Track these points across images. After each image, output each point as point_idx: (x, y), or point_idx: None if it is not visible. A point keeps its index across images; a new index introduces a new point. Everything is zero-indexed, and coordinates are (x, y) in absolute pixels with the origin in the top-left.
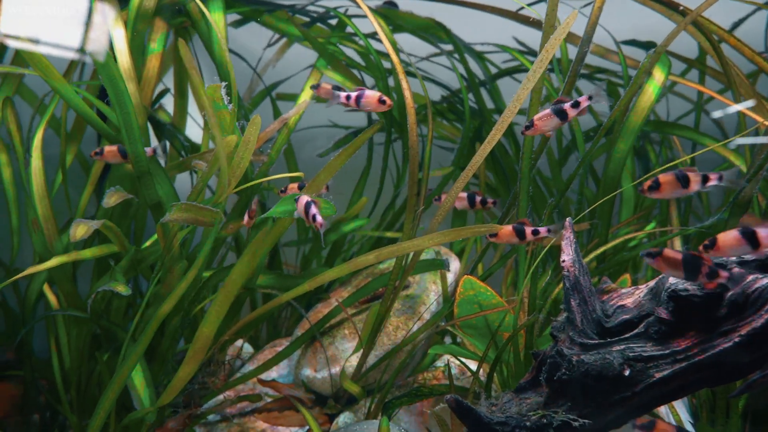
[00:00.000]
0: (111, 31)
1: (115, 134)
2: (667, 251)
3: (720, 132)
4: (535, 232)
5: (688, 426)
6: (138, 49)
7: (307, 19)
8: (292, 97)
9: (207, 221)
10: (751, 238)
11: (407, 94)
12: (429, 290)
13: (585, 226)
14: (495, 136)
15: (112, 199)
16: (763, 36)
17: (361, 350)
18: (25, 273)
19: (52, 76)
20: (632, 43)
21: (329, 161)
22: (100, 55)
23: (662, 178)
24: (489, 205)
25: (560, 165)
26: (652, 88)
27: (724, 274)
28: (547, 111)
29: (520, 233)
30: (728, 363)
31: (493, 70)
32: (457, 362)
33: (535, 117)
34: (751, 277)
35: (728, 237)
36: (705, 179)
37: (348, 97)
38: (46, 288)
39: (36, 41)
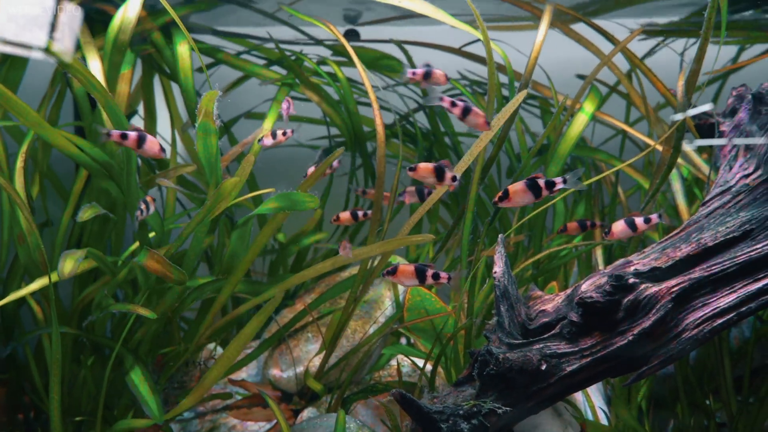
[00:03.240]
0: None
1: (96, 165)
2: (402, 267)
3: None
4: (550, 184)
5: (603, 409)
6: (112, 76)
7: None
8: (261, 116)
9: (173, 278)
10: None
11: (378, 122)
12: (384, 296)
13: (521, 237)
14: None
15: (86, 213)
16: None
17: (324, 352)
18: (10, 298)
19: (31, 119)
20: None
21: (301, 183)
22: (67, 56)
23: (511, 188)
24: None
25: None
26: (581, 119)
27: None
28: (522, 186)
29: (534, 188)
30: (625, 357)
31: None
32: (409, 361)
33: (510, 189)
34: (642, 286)
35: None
36: (551, 184)
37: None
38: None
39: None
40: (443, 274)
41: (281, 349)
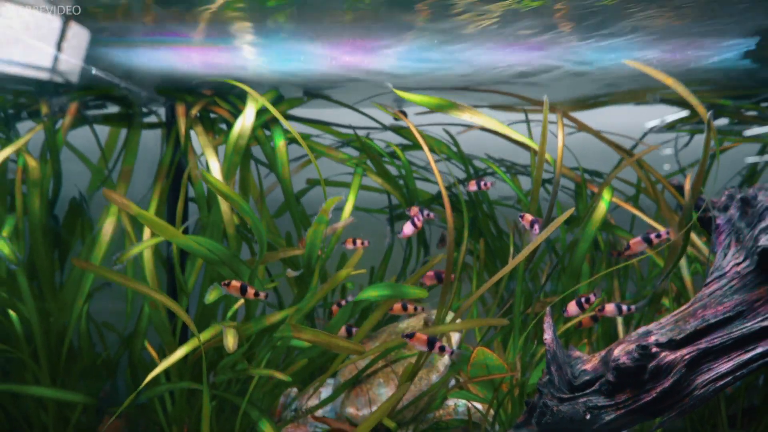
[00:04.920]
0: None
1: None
2: (418, 334)
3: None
4: (658, 236)
5: None
6: (229, 174)
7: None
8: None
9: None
10: None
11: (446, 203)
12: None
13: (555, 299)
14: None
15: (212, 295)
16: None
17: (396, 394)
18: (162, 367)
19: (169, 233)
20: (584, 170)
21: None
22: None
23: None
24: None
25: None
26: (602, 205)
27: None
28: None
29: (647, 241)
30: (650, 409)
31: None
32: (462, 402)
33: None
34: (663, 354)
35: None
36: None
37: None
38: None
39: None
40: (448, 349)
41: (356, 391)
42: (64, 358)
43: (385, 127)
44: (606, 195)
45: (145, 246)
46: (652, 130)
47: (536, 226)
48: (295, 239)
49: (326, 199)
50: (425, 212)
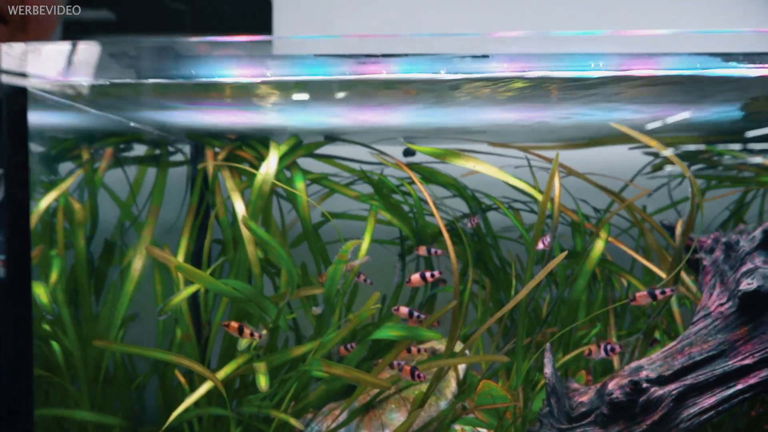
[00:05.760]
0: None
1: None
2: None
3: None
4: (663, 293)
5: None
6: (254, 218)
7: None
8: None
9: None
10: None
11: (448, 241)
12: (450, 375)
13: (554, 329)
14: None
15: (244, 342)
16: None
17: (408, 420)
18: (186, 405)
19: (204, 280)
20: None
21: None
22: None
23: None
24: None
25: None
26: (599, 244)
27: None
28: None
29: (652, 296)
30: None
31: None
32: (469, 427)
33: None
34: (652, 389)
35: None
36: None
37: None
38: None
39: None
40: (423, 376)
41: (370, 416)
42: (101, 383)
43: (396, 166)
44: (602, 234)
45: (185, 295)
46: (640, 172)
47: (546, 242)
48: (311, 269)
49: (343, 241)
50: (432, 250)
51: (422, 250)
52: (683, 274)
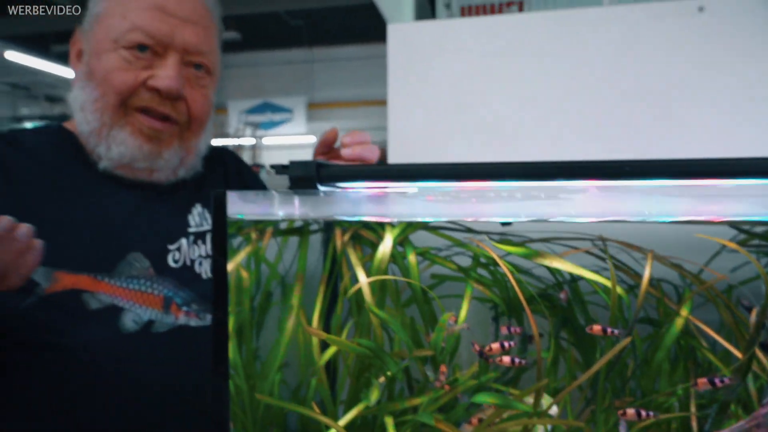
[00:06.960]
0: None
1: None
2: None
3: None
4: (722, 381)
5: None
6: (374, 290)
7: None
8: (461, 279)
9: None
10: None
11: (529, 315)
12: None
13: (630, 399)
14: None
15: (374, 395)
16: None
17: None
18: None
19: (338, 343)
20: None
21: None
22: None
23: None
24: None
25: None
26: (679, 322)
27: None
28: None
29: (712, 383)
30: None
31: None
32: None
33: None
34: None
35: None
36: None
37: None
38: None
39: None
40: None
41: None
42: (261, 415)
43: (482, 252)
44: (683, 311)
45: (326, 357)
46: (716, 256)
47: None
48: (418, 320)
49: (444, 309)
50: (512, 329)
51: (503, 330)
52: (758, 352)
